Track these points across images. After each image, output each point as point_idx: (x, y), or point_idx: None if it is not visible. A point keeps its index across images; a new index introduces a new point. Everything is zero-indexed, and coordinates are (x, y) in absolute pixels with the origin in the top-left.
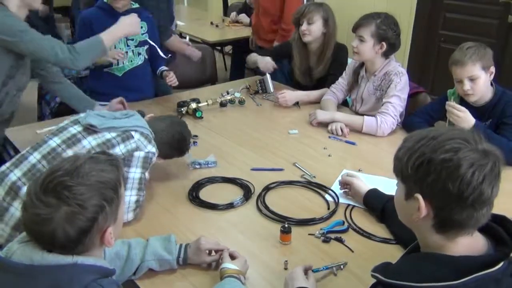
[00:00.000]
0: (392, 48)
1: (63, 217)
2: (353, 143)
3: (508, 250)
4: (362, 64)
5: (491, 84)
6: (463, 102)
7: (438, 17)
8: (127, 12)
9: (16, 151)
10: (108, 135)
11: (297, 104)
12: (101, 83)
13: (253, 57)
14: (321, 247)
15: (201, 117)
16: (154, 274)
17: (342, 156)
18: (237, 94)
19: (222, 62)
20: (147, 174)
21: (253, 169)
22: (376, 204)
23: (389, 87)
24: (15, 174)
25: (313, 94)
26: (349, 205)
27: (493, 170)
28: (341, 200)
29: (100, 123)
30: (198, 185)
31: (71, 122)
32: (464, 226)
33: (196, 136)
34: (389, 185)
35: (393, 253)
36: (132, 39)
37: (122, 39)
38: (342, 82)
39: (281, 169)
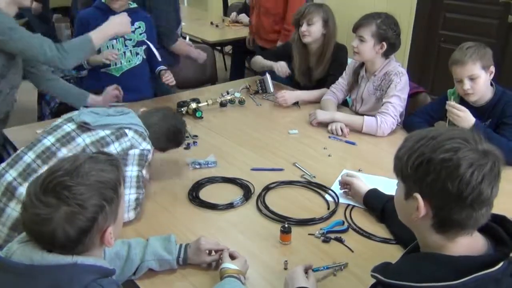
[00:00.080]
0: (392, 48)
1: (63, 217)
2: (353, 143)
3: (508, 250)
4: (362, 64)
5: (491, 84)
6: (463, 102)
7: (438, 17)
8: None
9: (16, 151)
10: (102, 133)
11: (297, 104)
12: (99, 83)
13: (261, 61)
14: (321, 247)
15: (201, 117)
16: (154, 274)
17: (342, 156)
18: (237, 94)
19: (222, 62)
20: (145, 172)
21: (253, 169)
22: (376, 204)
23: (389, 87)
24: (11, 175)
25: (312, 93)
26: (349, 205)
27: (492, 170)
28: (341, 200)
29: (94, 120)
30: (198, 185)
31: (65, 120)
32: (464, 226)
33: (196, 136)
34: (389, 185)
35: (393, 253)
36: (130, 39)
37: (120, 39)
38: (342, 82)
39: (281, 169)
